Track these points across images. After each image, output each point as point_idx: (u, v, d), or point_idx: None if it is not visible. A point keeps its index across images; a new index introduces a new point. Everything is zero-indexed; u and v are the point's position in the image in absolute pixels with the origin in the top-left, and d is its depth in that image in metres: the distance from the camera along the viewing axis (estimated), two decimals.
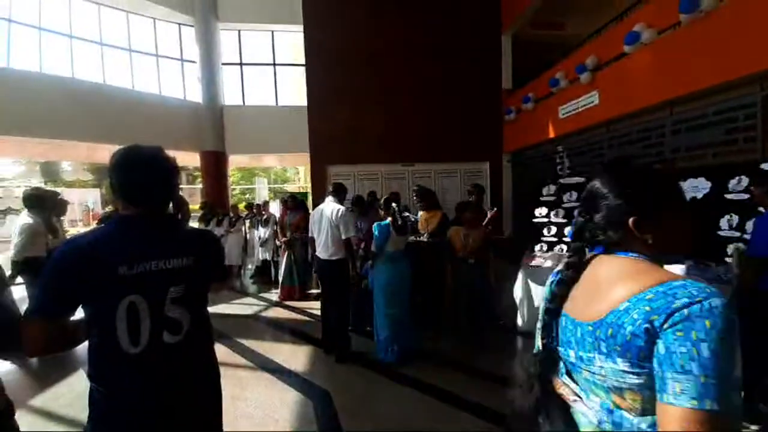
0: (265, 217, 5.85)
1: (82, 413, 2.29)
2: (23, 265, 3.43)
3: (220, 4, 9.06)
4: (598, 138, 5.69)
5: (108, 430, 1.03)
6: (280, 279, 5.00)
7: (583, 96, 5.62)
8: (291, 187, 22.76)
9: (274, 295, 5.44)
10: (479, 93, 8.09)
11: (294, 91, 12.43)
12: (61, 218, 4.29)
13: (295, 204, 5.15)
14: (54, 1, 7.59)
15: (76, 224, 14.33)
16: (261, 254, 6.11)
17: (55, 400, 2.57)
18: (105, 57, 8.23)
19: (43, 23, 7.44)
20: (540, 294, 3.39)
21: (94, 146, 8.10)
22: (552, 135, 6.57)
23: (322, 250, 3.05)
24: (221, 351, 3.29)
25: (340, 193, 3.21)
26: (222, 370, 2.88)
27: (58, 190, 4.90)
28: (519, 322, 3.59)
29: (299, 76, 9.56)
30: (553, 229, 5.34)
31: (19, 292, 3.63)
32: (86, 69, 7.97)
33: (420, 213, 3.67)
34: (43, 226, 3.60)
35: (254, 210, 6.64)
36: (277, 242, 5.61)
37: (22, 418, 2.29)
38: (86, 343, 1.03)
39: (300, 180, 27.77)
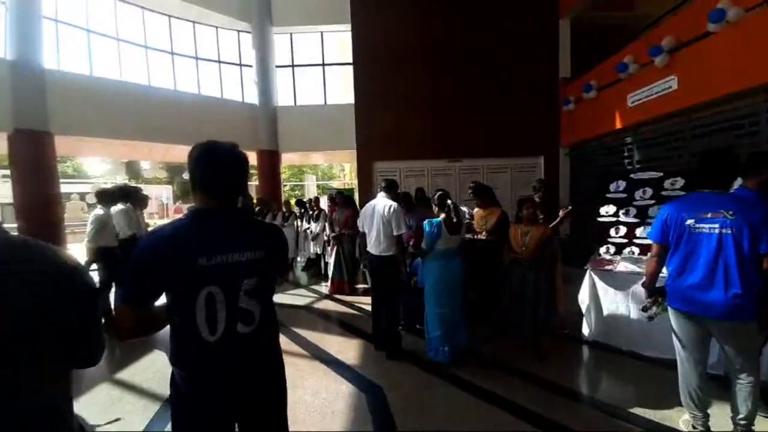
0: (316, 212, 6.07)
1: (159, 388, 2.61)
2: (96, 253, 3.89)
3: (274, 9, 9.52)
4: (677, 128, 5.06)
5: (187, 412, 1.10)
6: (330, 273, 5.16)
7: (657, 81, 5.03)
8: (336, 184, 23.42)
9: (323, 287, 5.65)
10: (534, 83, 7.62)
11: (341, 89, 12.73)
12: (143, 211, 4.83)
13: (343, 200, 5.28)
14: (130, 16, 8.50)
15: (152, 217, 16.13)
16: (312, 248, 6.36)
17: (137, 375, 2.90)
18: (175, 65, 9.07)
19: (121, 35, 8.39)
20: (611, 300, 3.10)
21: (168, 147, 9.00)
22: (619, 125, 5.99)
23: (374, 245, 3.06)
24: (280, 339, 3.51)
25: (392, 189, 3.18)
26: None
27: (140, 186, 5.62)
28: (585, 331, 3.29)
29: (346, 74, 9.79)
30: (622, 230, 4.85)
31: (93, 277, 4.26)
32: (160, 77, 8.85)
33: (475, 210, 3.52)
34: (111, 218, 4.03)
35: (306, 205, 6.92)
36: (326, 237, 5.79)
37: (107, 390, 2.69)
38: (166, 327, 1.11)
39: (345, 176, 28.48)
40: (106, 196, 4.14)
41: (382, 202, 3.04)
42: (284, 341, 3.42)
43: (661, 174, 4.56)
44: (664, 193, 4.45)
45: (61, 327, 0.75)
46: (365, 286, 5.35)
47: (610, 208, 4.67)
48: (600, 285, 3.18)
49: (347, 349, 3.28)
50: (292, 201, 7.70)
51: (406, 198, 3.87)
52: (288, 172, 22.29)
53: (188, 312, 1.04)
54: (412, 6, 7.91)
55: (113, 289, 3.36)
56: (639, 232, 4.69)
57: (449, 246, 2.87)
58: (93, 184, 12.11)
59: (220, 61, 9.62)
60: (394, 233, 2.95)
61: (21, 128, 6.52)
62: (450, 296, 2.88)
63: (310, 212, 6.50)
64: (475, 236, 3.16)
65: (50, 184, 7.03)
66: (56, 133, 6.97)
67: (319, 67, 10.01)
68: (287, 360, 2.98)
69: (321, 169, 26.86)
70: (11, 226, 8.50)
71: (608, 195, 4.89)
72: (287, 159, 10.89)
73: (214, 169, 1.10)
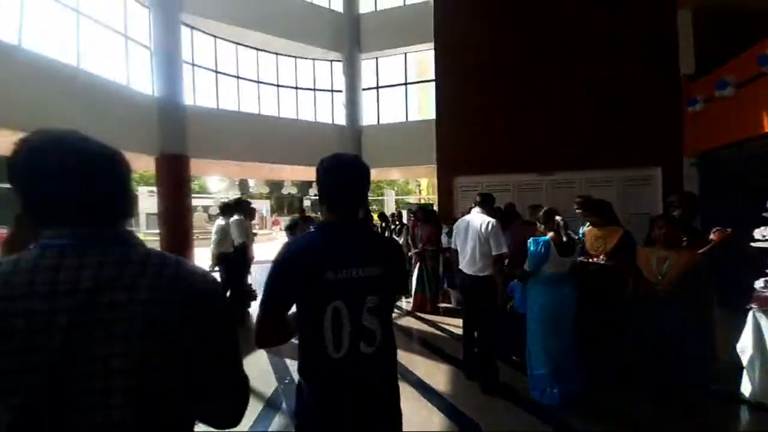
0: (398, 226, 6.15)
1: (262, 387, 2.85)
2: (217, 258, 4.64)
3: (363, 37, 10.32)
4: None
5: (312, 424, 1.10)
6: (412, 290, 5.12)
7: None
8: (412, 199, 23.62)
9: (404, 303, 5.63)
10: (647, 83, 6.61)
11: (421, 105, 12.91)
12: (251, 222, 5.55)
13: (425, 215, 5.23)
14: (246, 55, 10.06)
15: (254, 227, 18.80)
16: None
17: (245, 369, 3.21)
18: (280, 95, 10.43)
19: (241, 73, 9.97)
20: None
21: (270, 166, 10.29)
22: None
23: (468, 264, 2.82)
24: None
25: (487, 204, 2.95)
26: None
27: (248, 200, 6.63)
28: (745, 389, 2.55)
29: (424, 90, 9.95)
30: None
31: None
32: (268, 106, 10.25)
33: (587, 229, 3.02)
34: (230, 227, 4.73)
35: (389, 219, 7.08)
36: (409, 253, 5.79)
37: None
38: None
39: (421, 192, 28.58)
40: (226, 209, 4.92)
41: (479, 218, 2.80)
42: None
43: None
44: None
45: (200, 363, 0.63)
46: (448, 305, 5.17)
47: None
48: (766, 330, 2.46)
49: (436, 373, 3.13)
50: (375, 215, 7.96)
51: (505, 214, 3.61)
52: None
53: (317, 325, 1.04)
54: (501, 12, 7.65)
55: (228, 292, 3.87)
56: None
57: (559, 270, 2.51)
58: (214, 199, 14.61)
59: (315, 89, 10.74)
60: (493, 252, 2.68)
61: (165, 153, 8.15)
62: (559, 329, 2.49)
63: (392, 227, 6.60)
64: (590, 260, 2.72)
65: (184, 198, 8.59)
66: (191, 157, 8.53)
67: (400, 88, 10.44)
68: None
69: (398, 184, 27.46)
70: (155, 232, 10.63)
71: (766, 214, 3.91)
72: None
73: (337, 181, 1.11)
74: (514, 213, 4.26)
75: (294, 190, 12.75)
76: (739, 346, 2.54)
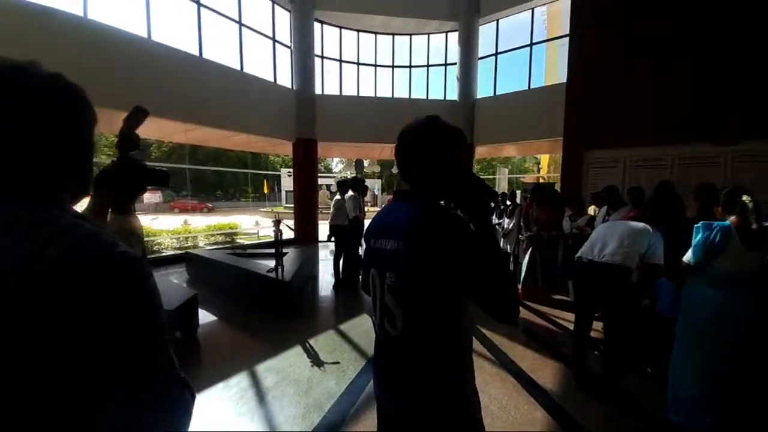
0: (510, 207, 5.67)
1: (366, 346, 3.18)
2: (334, 229, 5.28)
3: None
4: None
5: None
6: (521, 276, 4.72)
7: None
8: (529, 178, 21.29)
9: None
10: None
11: (545, 70, 11.20)
12: (364, 198, 6.07)
13: (543, 196, 4.64)
14: (366, 39, 10.53)
15: (366, 204, 20.32)
16: (502, 245, 6.02)
17: (351, 330, 3.66)
18: (394, 75, 10.70)
19: (361, 58, 10.58)
20: None
21: (382, 146, 10.83)
22: None
23: (608, 252, 2.42)
24: None
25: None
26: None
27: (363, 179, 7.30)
28: None
29: (552, 51, 8.46)
30: None
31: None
32: (383, 87, 10.69)
33: None
34: (346, 202, 5.26)
35: (499, 198, 6.60)
36: (520, 236, 5.31)
37: (333, 335, 3.49)
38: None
39: (540, 170, 25.45)
40: (342, 186, 5.50)
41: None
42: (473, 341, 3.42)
43: None
44: None
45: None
46: (564, 297, 4.59)
47: None
48: None
49: (541, 368, 2.85)
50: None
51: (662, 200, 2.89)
52: (478, 165, 22.22)
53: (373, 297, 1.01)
54: None
55: (342, 258, 4.40)
56: None
57: (741, 267, 1.86)
58: (335, 178, 16.53)
59: (428, 65, 10.57)
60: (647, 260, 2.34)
61: (300, 137, 9.49)
62: (728, 345, 1.88)
63: (502, 207, 6.13)
64: None
65: (313, 177, 9.94)
66: (318, 140, 9.72)
67: (524, 51, 9.22)
68: (475, 360, 2.93)
69: (512, 162, 25.09)
70: (290, 206, 12.71)
71: None
72: (479, 152, 10.83)
73: (395, 150, 1.03)
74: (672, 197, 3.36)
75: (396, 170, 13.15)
76: None
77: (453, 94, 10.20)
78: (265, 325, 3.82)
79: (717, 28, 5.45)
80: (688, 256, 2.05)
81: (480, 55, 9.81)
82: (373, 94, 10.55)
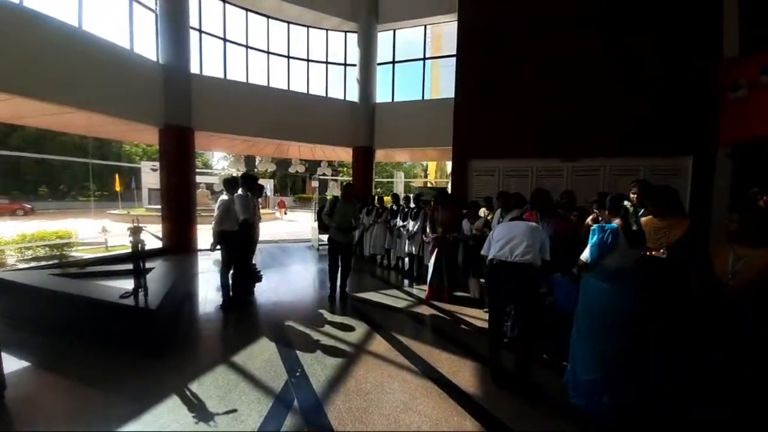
0: (414, 209, 5.81)
1: (271, 380, 2.61)
2: (220, 236, 4.26)
3: (381, 5, 9.65)
4: None
5: None
6: (428, 277, 4.84)
7: None
8: (419, 183, 23.21)
9: (415, 290, 5.38)
10: (683, 65, 6.10)
11: (431, 84, 12.23)
12: (258, 199, 5.22)
13: (446, 200, 4.88)
14: (256, 23, 9.46)
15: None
16: (407, 247, 6.14)
17: (249, 361, 2.95)
18: (291, 67, 9.88)
19: (250, 42, 9.38)
20: None
21: (277, 143, 9.88)
22: None
23: (507, 251, 2.59)
24: (382, 345, 3.31)
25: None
26: (388, 367, 2.83)
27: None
28: None
29: (436, 68, 9.34)
30: None
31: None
32: (277, 78, 9.74)
33: (643, 219, 2.53)
34: (234, 203, 4.35)
35: (402, 202, 6.74)
36: (424, 238, 5.48)
37: (223, 373, 2.73)
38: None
39: (427, 176, 28.12)
40: (231, 183, 4.53)
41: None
42: (388, 349, 3.22)
43: None
44: None
45: None
46: (465, 294, 4.91)
47: None
48: None
49: (461, 371, 2.86)
50: (387, 198, 7.62)
51: (533, 199, 3.28)
52: (376, 168, 23.13)
53: None
54: None
55: (232, 270, 3.57)
56: None
57: (624, 263, 2.18)
58: (218, 175, 14.26)
59: (327, 62, 10.16)
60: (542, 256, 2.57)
61: (170, 123, 7.75)
62: (620, 332, 2.18)
63: (406, 209, 6.27)
64: (649, 253, 2.41)
65: (189, 173, 8.26)
66: (196, 129, 8.13)
67: (417, 63, 9.82)
68: (396, 374, 2.68)
69: (404, 167, 26.96)
70: (157, 207, 10.36)
71: None
72: (377, 156, 11.08)
73: None
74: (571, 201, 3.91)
75: (302, 169, 12.28)
76: None
77: (352, 95, 10.10)
78: (120, 372, 2.76)
79: (560, 75, 6.86)
80: (585, 255, 2.30)
81: (379, 61, 9.98)
82: (266, 84, 9.50)
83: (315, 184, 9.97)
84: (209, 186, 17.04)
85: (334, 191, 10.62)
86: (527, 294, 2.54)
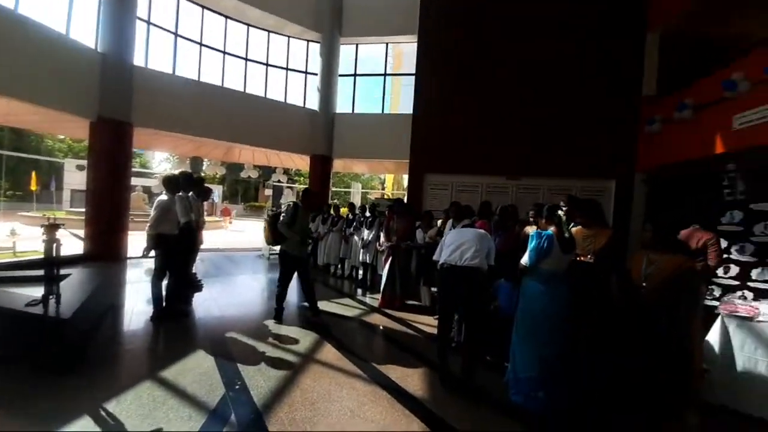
0: (369, 219, 5.81)
1: (205, 395, 2.39)
2: (156, 240, 3.78)
3: (345, 20, 9.83)
4: None
5: None
6: (382, 285, 4.83)
7: None
8: (375, 194, 23.46)
9: (368, 299, 5.34)
10: (611, 100, 7.00)
11: (392, 99, 12.60)
12: (203, 202, 4.83)
13: (403, 209, 4.98)
14: (213, 22, 9.07)
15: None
16: (362, 256, 6.09)
17: (181, 376, 2.66)
18: (248, 70, 9.56)
19: (205, 40, 8.96)
20: (750, 355, 2.43)
21: (229, 146, 9.41)
22: (719, 150, 5.20)
23: (457, 256, 2.68)
24: (331, 354, 3.20)
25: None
26: (336, 375, 2.74)
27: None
28: (710, 391, 2.61)
29: (397, 84, 9.71)
30: (734, 269, 4.10)
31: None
32: (233, 79, 9.36)
33: (573, 229, 2.85)
34: (174, 203, 3.94)
35: (358, 211, 6.73)
36: (378, 246, 5.50)
37: (149, 389, 2.44)
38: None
39: (385, 188, 28.52)
40: (172, 183, 4.10)
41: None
42: (338, 357, 3.13)
43: None
44: None
45: None
46: (417, 302, 4.97)
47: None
48: (736, 336, 2.53)
49: (410, 376, 2.85)
50: (344, 209, 7.55)
51: (502, 214, 3.47)
52: (333, 179, 22.93)
53: None
54: (482, 16, 7.72)
55: (167, 278, 3.23)
56: (755, 273, 3.93)
57: (559, 267, 2.38)
58: (157, 177, 12.98)
59: (288, 69, 9.99)
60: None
61: (104, 116, 7.01)
62: (554, 332, 2.34)
63: (362, 219, 6.26)
64: (578, 258, 2.63)
65: (123, 172, 7.48)
66: (136, 125, 7.45)
67: (377, 78, 10.09)
68: (344, 381, 2.62)
69: (361, 179, 27.12)
70: (80, 211, 9.20)
71: (719, 228, 4.18)
72: (335, 166, 11.03)
73: None
74: (489, 212, 4.17)
75: (255, 175, 11.69)
76: (705, 347, 2.61)
77: (312, 104, 10.03)
78: (24, 390, 2.33)
79: (508, 101, 7.49)
80: (524, 259, 2.47)
81: (341, 73, 10.07)
82: (220, 84, 9.07)
83: (269, 191, 9.56)
84: (146, 189, 15.44)
85: (288, 199, 10.29)
86: (475, 297, 2.64)
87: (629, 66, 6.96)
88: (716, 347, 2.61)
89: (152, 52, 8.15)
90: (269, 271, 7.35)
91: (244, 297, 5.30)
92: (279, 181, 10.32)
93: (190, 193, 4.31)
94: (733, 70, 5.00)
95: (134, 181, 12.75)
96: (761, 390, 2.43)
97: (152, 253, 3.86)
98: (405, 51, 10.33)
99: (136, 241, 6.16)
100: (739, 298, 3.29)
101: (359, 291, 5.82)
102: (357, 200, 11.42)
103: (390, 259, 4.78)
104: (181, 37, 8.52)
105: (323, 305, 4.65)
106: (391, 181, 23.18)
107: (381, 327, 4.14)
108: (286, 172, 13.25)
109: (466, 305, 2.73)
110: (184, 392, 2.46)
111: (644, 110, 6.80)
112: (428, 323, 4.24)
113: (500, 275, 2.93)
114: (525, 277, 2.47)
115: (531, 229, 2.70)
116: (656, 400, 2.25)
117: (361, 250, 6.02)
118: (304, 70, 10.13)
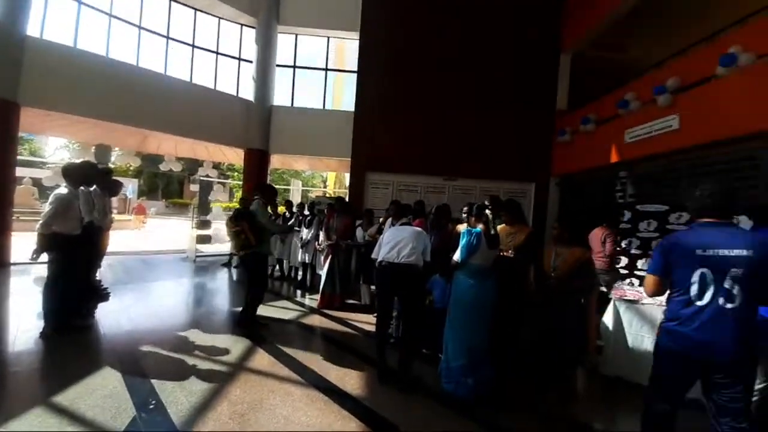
0: (309, 217, 5.61)
1: (110, 419, 2.08)
2: (51, 240, 3.19)
3: (283, 7, 9.31)
4: (673, 166, 5.19)
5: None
6: (321, 285, 4.72)
7: (658, 119, 5.18)
8: (317, 192, 22.94)
9: (308, 300, 5.19)
10: (531, 111, 7.80)
11: (334, 95, 12.42)
12: (111, 198, 4.20)
13: (343, 207, 4.92)
14: None
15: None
16: (300, 256, 5.87)
17: (81, 399, 2.29)
18: (169, 49, 8.51)
19: (115, 11, 7.76)
20: (637, 332, 2.91)
21: (147, 134, 8.27)
22: (614, 159, 6.11)
23: (394, 253, 2.72)
24: (265, 360, 3.02)
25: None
26: (270, 382, 2.60)
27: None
28: (604, 365, 3.09)
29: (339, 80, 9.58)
30: (623, 260, 4.84)
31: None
32: (151, 59, 8.24)
33: (498, 227, 3.16)
34: (77, 198, 3.40)
35: (296, 209, 6.46)
36: (317, 246, 5.37)
37: (40, 417, 2.06)
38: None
39: (326, 186, 28.02)
40: (75, 174, 3.49)
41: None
42: (272, 363, 2.97)
43: (667, 207, 4.62)
44: (669, 226, 4.49)
45: None
46: (357, 302, 4.96)
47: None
48: (625, 317, 3.00)
49: (348, 376, 2.82)
50: (281, 207, 7.20)
51: (438, 213, 3.60)
52: (271, 176, 21.75)
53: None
54: (422, 22, 8.01)
55: (65, 285, 2.73)
56: (641, 264, 4.70)
57: (486, 262, 2.56)
58: (52, 168, 10.77)
59: (218, 53, 9.14)
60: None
61: None
62: (481, 321, 2.53)
63: (300, 217, 6.04)
64: (502, 253, 2.86)
65: (6, 161, 6.16)
66: (23, 105, 6.19)
67: (318, 72, 9.79)
68: (278, 387, 2.52)
69: (302, 176, 26.28)
70: None
71: (621, 226, 4.90)
72: (273, 161, 10.42)
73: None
74: (422, 211, 4.33)
75: (177, 168, 10.44)
76: (601, 327, 3.08)
77: (246, 93, 9.35)
78: None
79: (446, 107, 7.89)
80: (456, 255, 2.62)
81: (279, 63, 9.55)
82: (134, 63, 7.94)
83: (195, 187, 8.60)
84: (36, 182, 12.70)
85: (219, 196, 9.42)
86: (412, 293, 2.72)
87: (546, 82, 7.84)
88: (610, 326, 3.07)
89: (50, 22, 6.86)
90: (195, 275, 6.71)
91: (163, 305, 4.75)
92: (208, 176, 9.37)
93: (93, 187, 3.70)
94: (627, 91, 5.91)
95: (20, 171, 10.58)
96: (647, 362, 2.91)
97: (44, 257, 3.25)
98: (347, 47, 10.20)
99: (23, 243, 5.14)
100: (628, 284, 3.90)
101: (298, 292, 5.61)
102: (297, 198, 10.94)
103: (330, 258, 4.69)
104: (85, 5, 7.30)
105: (260, 309, 4.35)
106: (333, 179, 22.87)
107: (319, 328, 4.04)
108: (217, 166, 12.15)
109: (403, 301, 2.80)
110: (84, 418, 2.11)
111: (557, 122, 7.71)
112: (368, 321, 4.25)
113: (435, 271, 3.06)
114: (456, 272, 2.62)
115: (462, 227, 2.86)
116: (551, 368, 2.64)
117: (300, 250, 5.81)
118: (237, 56, 9.37)
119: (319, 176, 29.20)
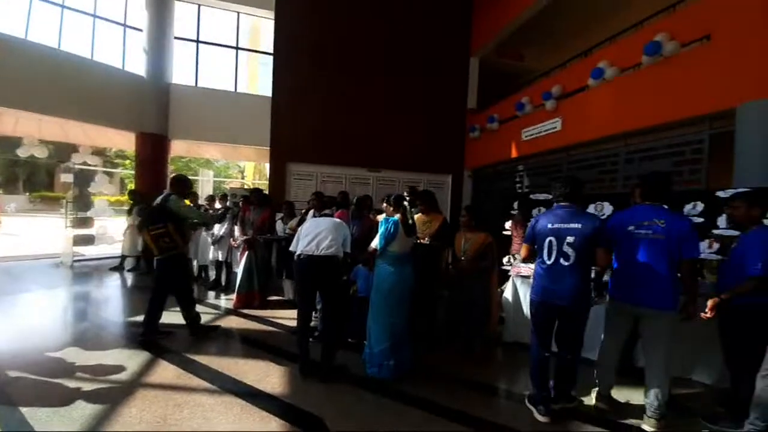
0: (221, 210, 5.06)
1: None
2: None
3: None
4: (557, 161, 6.13)
5: None
6: (237, 284, 4.36)
7: (546, 121, 6.04)
8: (234, 184, 21.06)
9: (223, 300, 4.77)
10: (446, 109, 8.36)
11: (248, 78, 11.42)
12: None
13: (260, 200, 4.58)
14: None
15: None
16: (212, 254, 5.32)
17: None
18: (33, 10, 6.70)
19: None
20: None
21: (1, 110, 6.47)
22: (514, 155, 6.95)
23: (313, 245, 2.66)
24: (169, 372, 2.68)
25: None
26: (176, 395, 2.34)
27: None
28: (505, 333, 3.54)
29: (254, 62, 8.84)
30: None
31: None
32: (6, 19, 6.43)
33: (415, 215, 3.35)
34: None
35: (207, 203, 5.81)
36: (232, 242, 4.94)
37: None
38: None
39: (245, 177, 25.89)
40: None
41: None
42: (179, 374, 2.66)
43: (551, 196, 5.44)
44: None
45: None
46: (279, 298, 4.73)
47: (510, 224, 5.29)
48: (521, 290, 3.47)
49: (269, 375, 2.68)
50: (186, 200, 6.38)
51: (358, 204, 3.59)
52: (174, 164, 19.07)
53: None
54: (342, 9, 7.86)
55: None
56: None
57: (403, 249, 2.67)
58: None
59: (95, 16, 7.52)
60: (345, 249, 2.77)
61: None
62: (401, 305, 2.65)
63: (210, 211, 5.45)
64: (419, 240, 3.05)
65: None
66: None
67: (228, 51, 8.85)
68: (187, 400, 2.30)
69: (216, 166, 23.79)
70: None
71: (512, 212, 5.59)
72: (174, 148, 9.10)
73: None
74: (345, 202, 4.35)
75: (42, 154, 8.35)
76: (503, 301, 3.53)
77: (135, 67, 7.97)
78: None
79: (367, 99, 7.92)
80: (375, 243, 2.69)
81: (177, 35, 8.34)
82: None
83: (68, 177, 6.95)
84: None
85: (103, 188, 7.88)
86: (332, 284, 2.70)
87: (459, 83, 8.47)
88: (510, 299, 3.53)
89: None
90: (74, 283, 5.58)
91: (32, 322, 3.85)
92: (86, 164, 7.67)
93: None
94: (523, 95, 6.74)
95: None
96: None
97: None
98: (263, 27, 9.44)
99: None
100: (507, 263, 4.50)
101: (212, 294, 5.08)
102: (208, 190, 9.83)
103: (246, 254, 4.36)
104: None
105: (167, 317, 3.79)
106: (252, 169, 21.26)
107: (236, 330, 3.73)
108: (101, 153, 10.16)
109: (324, 293, 2.77)
110: None
111: (469, 120, 8.43)
112: (291, 317, 4.07)
113: (358, 261, 3.09)
114: (377, 261, 2.69)
115: (381, 217, 2.94)
116: (462, 339, 3.04)
117: (212, 247, 5.27)
118: (122, 22, 7.89)
119: (236, 166, 26.84)
